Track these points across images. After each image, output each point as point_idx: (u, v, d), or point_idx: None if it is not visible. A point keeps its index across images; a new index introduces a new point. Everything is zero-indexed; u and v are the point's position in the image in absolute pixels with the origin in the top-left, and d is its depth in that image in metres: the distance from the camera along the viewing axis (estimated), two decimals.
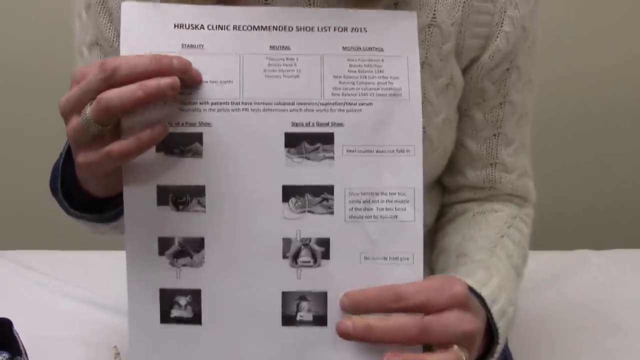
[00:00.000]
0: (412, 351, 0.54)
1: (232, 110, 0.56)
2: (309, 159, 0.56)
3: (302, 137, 0.56)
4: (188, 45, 0.56)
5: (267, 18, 0.57)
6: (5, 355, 0.73)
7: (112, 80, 0.51)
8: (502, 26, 0.67)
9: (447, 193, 0.80)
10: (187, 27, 0.56)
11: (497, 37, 0.67)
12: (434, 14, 0.65)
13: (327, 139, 0.56)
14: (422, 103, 0.62)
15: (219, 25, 0.57)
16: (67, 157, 0.64)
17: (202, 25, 0.56)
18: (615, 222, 1.65)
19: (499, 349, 0.61)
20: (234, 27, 0.57)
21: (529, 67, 0.72)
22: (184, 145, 0.56)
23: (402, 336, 0.53)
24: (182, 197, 0.56)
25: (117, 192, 0.58)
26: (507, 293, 0.62)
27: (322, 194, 0.56)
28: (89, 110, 0.52)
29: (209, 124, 0.56)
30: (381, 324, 0.53)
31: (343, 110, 0.56)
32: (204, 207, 0.56)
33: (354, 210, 0.57)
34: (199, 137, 0.56)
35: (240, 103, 0.56)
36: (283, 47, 0.57)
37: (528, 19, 0.68)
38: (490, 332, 0.60)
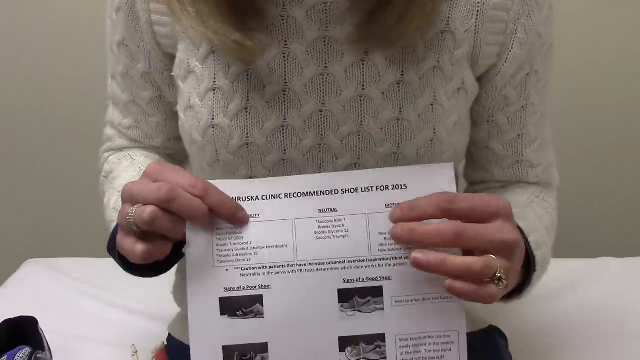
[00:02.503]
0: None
1: (288, 272, 0.61)
2: (361, 311, 0.61)
3: (354, 292, 0.61)
4: None
5: (314, 184, 0.62)
6: (27, 349, 0.78)
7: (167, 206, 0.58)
8: (515, 34, 0.71)
9: (472, 185, 0.84)
10: (244, 199, 0.61)
11: (512, 44, 0.71)
12: (448, 21, 0.69)
13: (376, 292, 0.61)
14: (433, 105, 0.66)
15: (272, 195, 0.61)
16: None
17: (257, 196, 0.61)
18: (638, 229, 1.63)
19: (535, 280, 0.66)
20: (286, 195, 0.61)
21: (547, 70, 0.77)
22: (246, 307, 0.61)
23: (439, 238, 0.57)
24: (246, 354, 0.61)
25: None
26: (540, 235, 0.69)
27: (375, 341, 0.61)
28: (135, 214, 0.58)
29: (268, 286, 0.61)
30: (422, 227, 0.57)
31: (390, 264, 0.61)
32: None
33: (404, 355, 0.61)
34: (259, 299, 0.60)
35: (295, 265, 0.61)
36: (330, 209, 0.62)
37: (542, 26, 0.72)
38: (528, 267, 0.65)
